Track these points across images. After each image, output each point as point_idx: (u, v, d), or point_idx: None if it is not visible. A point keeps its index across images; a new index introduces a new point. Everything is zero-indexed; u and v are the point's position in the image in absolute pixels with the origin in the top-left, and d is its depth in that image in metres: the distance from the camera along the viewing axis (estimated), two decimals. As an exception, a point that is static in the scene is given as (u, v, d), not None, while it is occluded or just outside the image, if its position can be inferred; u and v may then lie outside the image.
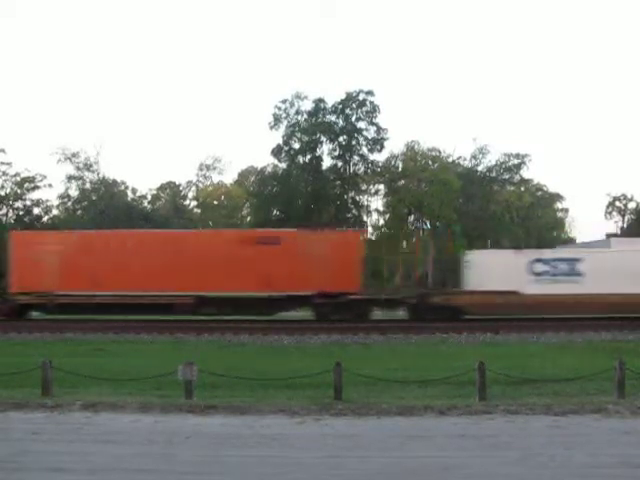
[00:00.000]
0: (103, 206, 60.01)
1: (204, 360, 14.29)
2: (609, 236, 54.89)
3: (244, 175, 75.05)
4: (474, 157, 64.53)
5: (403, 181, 63.52)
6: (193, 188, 73.77)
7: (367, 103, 58.35)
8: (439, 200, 58.98)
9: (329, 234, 29.05)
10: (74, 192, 63.90)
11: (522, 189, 69.06)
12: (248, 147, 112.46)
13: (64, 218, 62.84)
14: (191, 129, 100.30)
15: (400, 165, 64.27)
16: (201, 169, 72.45)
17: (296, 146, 58.24)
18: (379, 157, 60.95)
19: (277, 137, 58.40)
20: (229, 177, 78.05)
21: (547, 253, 29.12)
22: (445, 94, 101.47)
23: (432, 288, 30.03)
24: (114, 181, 66.14)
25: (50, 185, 62.70)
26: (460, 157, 66.26)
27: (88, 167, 62.65)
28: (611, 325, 24.66)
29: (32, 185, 61.77)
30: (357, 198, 62.16)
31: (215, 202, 71.70)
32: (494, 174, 64.32)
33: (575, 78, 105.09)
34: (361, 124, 58.70)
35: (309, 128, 57.57)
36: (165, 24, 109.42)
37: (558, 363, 16.30)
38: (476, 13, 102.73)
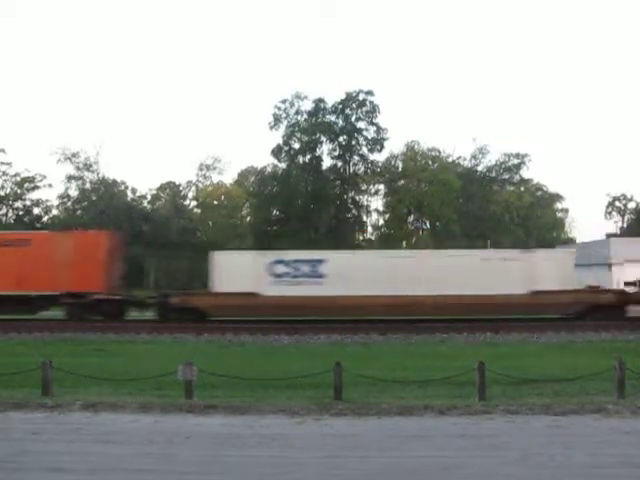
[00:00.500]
0: (103, 206, 60.05)
1: (204, 360, 14.30)
2: (609, 236, 55.06)
3: (244, 175, 75.13)
4: (474, 157, 64.66)
5: (403, 181, 63.60)
6: (193, 188, 73.89)
7: (367, 103, 58.41)
8: (439, 200, 59.05)
9: (76, 235, 30.68)
10: (74, 192, 64.08)
11: (522, 189, 69.15)
12: (248, 147, 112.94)
13: (64, 218, 62.94)
14: (191, 129, 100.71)
15: (400, 165, 64.36)
16: (201, 169, 72.61)
17: (296, 146, 58.30)
18: (379, 157, 61.13)
19: (277, 137, 58.65)
20: (229, 177, 78.34)
21: (288, 255, 28.76)
22: (445, 94, 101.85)
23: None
24: (114, 181, 66.21)
25: (50, 185, 62.95)
26: (460, 157, 66.44)
27: (88, 167, 62.70)
28: (611, 325, 24.65)
29: (32, 185, 61.87)
30: (357, 198, 62.24)
31: (215, 202, 71.77)
32: (494, 174, 64.38)
33: (575, 78, 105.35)
34: (361, 124, 58.81)
35: (309, 128, 57.61)
36: (165, 24, 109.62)
37: (558, 363, 16.29)
38: (476, 13, 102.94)
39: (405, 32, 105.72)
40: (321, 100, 58.06)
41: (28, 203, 62.05)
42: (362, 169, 60.31)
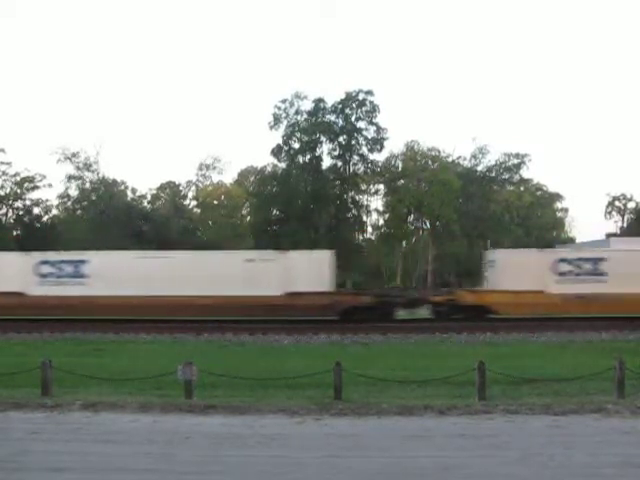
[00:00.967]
0: (103, 206, 60.01)
1: (204, 360, 14.30)
2: (609, 236, 55.01)
3: (244, 175, 75.08)
4: (474, 157, 64.55)
5: (403, 181, 63.53)
6: (193, 188, 73.85)
7: (367, 103, 58.32)
8: (439, 200, 58.99)
9: None
10: (74, 192, 63.96)
11: (522, 189, 69.14)
12: (248, 147, 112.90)
13: (64, 218, 62.91)
14: (191, 129, 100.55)
15: (400, 165, 64.29)
16: (201, 169, 72.56)
17: (296, 146, 58.22)
18: (379, 157, 61.00)
19: (277, 137, 58.45)
20: (229, 177, 78.29)
21: (54, 255, 29.32)
22: (445, 94, 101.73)
23: None
24: (114, 181, 66.12)
25: (50, 185, 62.82)
26: (460, 157, 66.33)
27: (88, 167, 62.61)
28: (611, 325, 24.66)
29: (32, 185, 61.78)
30: (357, 198, 62.17)
31: (215, 202, 71.73)
32: (494, 174, 64.30)
33: (575, 78, 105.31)
34: (361, 124, 58.70)
35: (309, 128, 57.54)
36: (165, 24, 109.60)
37: (558, 363, 16.29)
38: (476, 13, 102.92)
39: (405, 32, 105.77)
40: (321, 100, 57.98)
41: (28, 203, 61.98)
42: (362, 169, 60.21)
